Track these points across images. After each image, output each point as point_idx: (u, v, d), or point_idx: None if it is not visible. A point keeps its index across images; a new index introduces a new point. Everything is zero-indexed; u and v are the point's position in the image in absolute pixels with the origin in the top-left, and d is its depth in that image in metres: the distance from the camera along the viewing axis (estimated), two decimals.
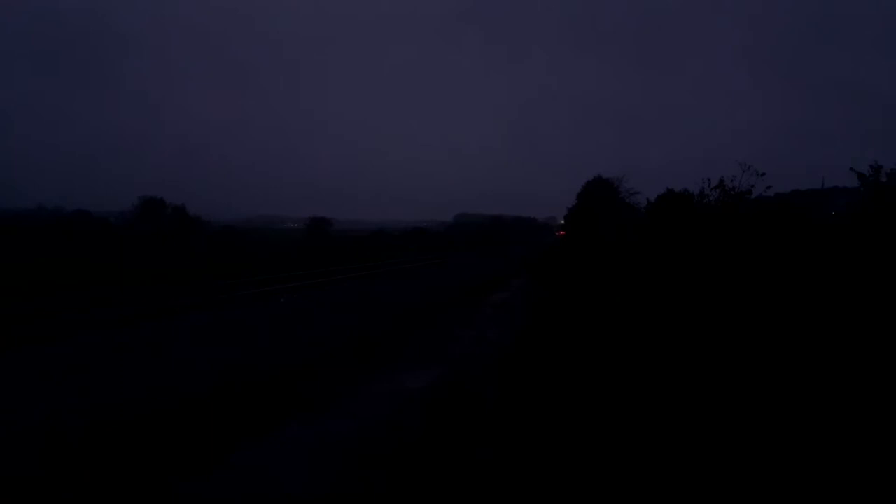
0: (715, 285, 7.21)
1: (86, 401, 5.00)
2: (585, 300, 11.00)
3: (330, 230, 61.36)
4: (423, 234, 67.51)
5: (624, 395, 4.93)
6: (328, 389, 5.55)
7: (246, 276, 17.96)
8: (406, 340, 8.47)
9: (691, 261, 8.35)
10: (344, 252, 35.42)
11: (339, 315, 10.81)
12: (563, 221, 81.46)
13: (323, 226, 61.98)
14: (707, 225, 9.61)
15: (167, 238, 41.68)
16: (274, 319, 10.15)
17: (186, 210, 54.34)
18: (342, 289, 15.73)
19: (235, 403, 5.10)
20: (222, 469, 3.66)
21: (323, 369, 6.51)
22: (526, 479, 3.51)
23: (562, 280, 16.23)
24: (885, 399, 4.29)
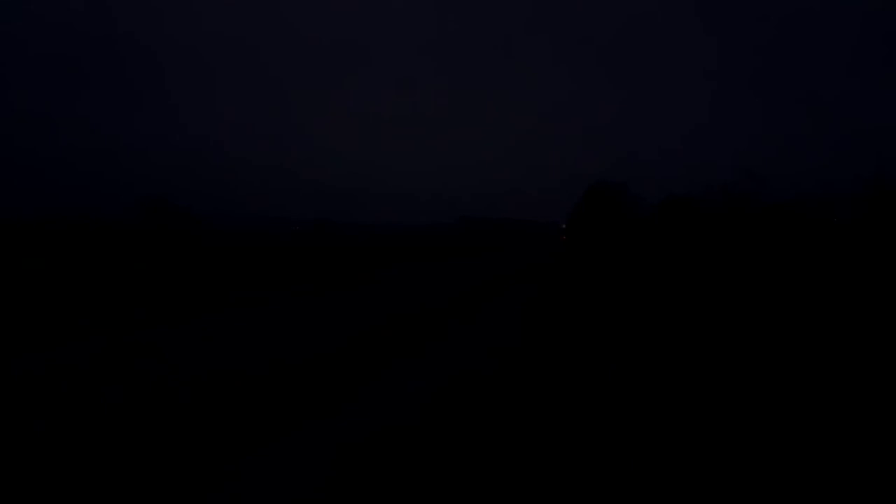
0: (731, 277, 7.39)
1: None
2: (591, 301, 11.11)
3: (334, 233, 61.23)
4: (426, 237, 67.41)
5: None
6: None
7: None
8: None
9: (703, 257, 8.57)
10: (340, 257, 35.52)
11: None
12: (564, 226, 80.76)
13: (327, 229, 61.88)
14: (718, 226, 9.88)
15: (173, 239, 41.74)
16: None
17: (191, 211, 54.41)
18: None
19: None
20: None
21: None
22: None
23: (566, 281, 16.28)
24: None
